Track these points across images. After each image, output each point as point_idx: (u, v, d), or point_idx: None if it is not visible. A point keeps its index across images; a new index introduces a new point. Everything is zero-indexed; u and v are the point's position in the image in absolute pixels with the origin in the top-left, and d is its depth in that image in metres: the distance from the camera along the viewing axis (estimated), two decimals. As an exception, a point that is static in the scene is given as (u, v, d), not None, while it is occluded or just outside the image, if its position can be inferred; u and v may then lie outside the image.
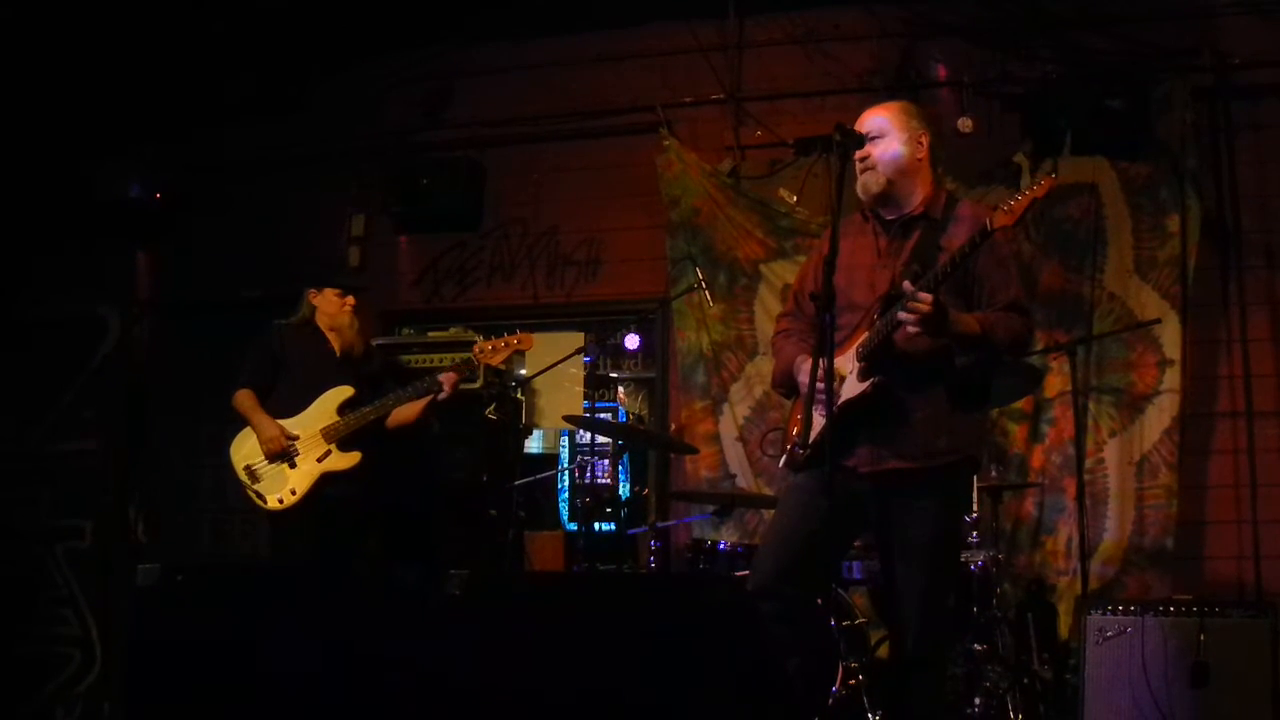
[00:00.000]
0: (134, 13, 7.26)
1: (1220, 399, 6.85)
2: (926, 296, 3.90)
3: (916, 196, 4.31)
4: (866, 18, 7.46)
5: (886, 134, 4.28)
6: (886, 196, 4.30)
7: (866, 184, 4.31)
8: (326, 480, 5.93)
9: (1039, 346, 6.60)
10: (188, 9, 7.34)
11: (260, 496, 5.92)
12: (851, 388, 4.14)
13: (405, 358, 7.16)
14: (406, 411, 6.04)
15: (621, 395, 9.05)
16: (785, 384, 4.48)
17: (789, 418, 4.48)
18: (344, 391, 6.05)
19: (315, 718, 4.50)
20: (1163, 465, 6.69)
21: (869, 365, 4.14)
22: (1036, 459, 6.87)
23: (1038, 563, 6.78)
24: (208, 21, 7.39)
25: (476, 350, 5.98)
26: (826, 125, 4.10)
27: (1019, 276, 4.29)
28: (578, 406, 7.39)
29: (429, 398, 5.95)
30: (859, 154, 4.29)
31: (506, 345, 5.98)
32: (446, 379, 5.93)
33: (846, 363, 4.20)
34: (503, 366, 6.72)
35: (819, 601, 5.23)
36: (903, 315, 3.98)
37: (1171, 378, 6.72)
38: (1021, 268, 5.62)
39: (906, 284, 3.96)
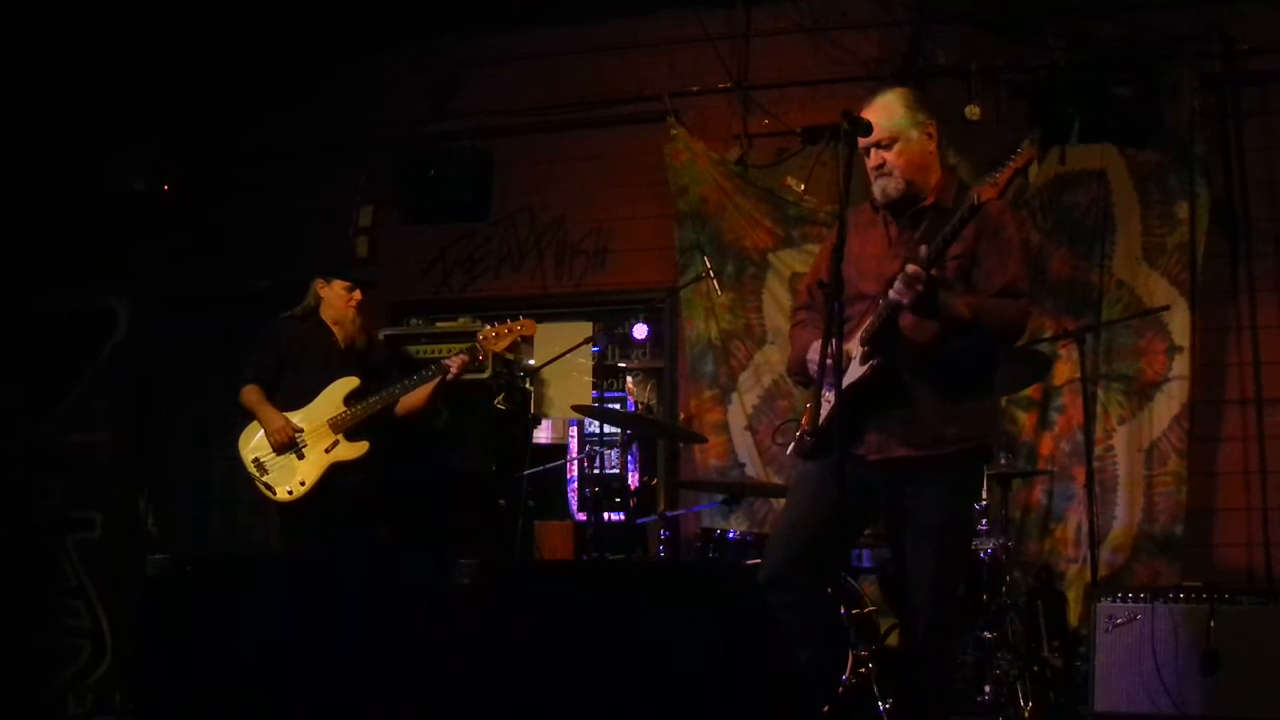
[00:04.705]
0: (143, 3, 7.26)
1: (1229, 386, 6.84)
2: (917, 272, 3.89)
3: (929, 187, 4.29)
4: (874, 6, 7.45)
5: (899, 136, 4.22)
6: (904, 197, 4.29)
7: (885, 189, 4.26)
8: (335, 470, 5.95)
9: (1047, 334, 6.60)
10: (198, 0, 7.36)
11: (270, 489, 5.94)
12: (854, 372, 4.13)
13: (413, 348, 7.17)
14: (415, 397, 6.06)
15: (630, 385, 9.04)
16: (799, 371, 4.47)
17: (803, 408, 4.47)
18: (350, 382, 6.06)
19: (325, 706, 4.51)
20: (1172, 452, 6.69)
21: (871, 349, 4.13)
22: (1045, 446, 6.87)
23: (1047, 550, 6.79)
24: (217, 12, 7.38)
25: (480, 338, 5.99)
26: (834, 114, 4.10)
27: (1020, 259, 4.25)
28: (586, 396, 7.38)
29: (436, 380, 5.96)
30: (873, 161, 4.26)
31: (510, 331, 5.99)
32: (454, 361, 5.95)
33: (853, 349, 4.19)
34: (510, 355, 6.72)
35: (829, 590, 5.26)
36: (892, 294, 3.98)
37: (1180, 365, 6.72)
38: (1028, 253, 5.61)
39: (905, 271, 3.95)
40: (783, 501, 5.28)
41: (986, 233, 4.14)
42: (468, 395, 6.73)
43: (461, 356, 5.98)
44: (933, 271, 3.91)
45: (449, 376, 5.97)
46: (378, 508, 6.31)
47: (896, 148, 4.23)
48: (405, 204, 8.18)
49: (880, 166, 4.25)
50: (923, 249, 3.93)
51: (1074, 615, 6.51)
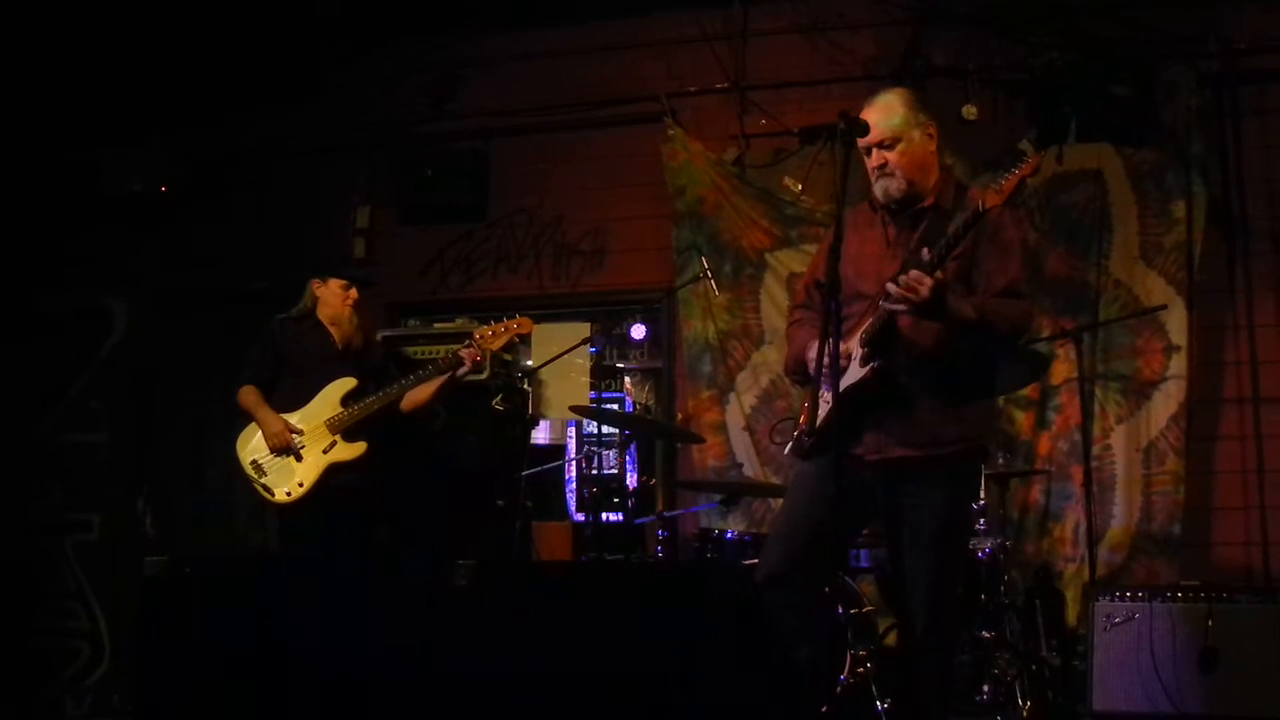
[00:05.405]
0: (142, 3, 7.27)
1: (1227, 384, 6.85)
2: (925, 278, 3.89)
3: (929, 188, 4.29)
4: (871, 6, 7.44)
5: (902, 137, 4.22)
6: (905, 197, 4.29)
7: (888, 189, 4.26)
8: (333, 471, 5.94)
9: (1045, 333, 6.60)
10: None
11: (268, 490, 5.94)
12: (853, 373, 4.14)
13: (411, 349, 7.17)
14: (422, 392, 6.03)
15: (628, 385, 9.05)
16: (798, 370, 4.48)
17: (800, 408, 4.48)
18: (347, 383, 6.06)
19: (323, 708, 4.51)
20: (1170, 451, 6.69)
21: (870, 351, 4.14)
22: (1043, 446, 6.87)
23: (1045, 550, 6.79)
24: (216, 11, 7.38)
25: (477, 336, 5.98)
26: (831, 114, 4.08)
27: (1020, 261, 4.26)
28: (584, 397, 7.39)
29: (446, 375, 5.95)
30: (875, 162, 4.26)
31: (506, 329, 5.98)
32: (466, 353, 5.92)
33: (851, 349, 4.20)
34: (507, 355, 6.72)
35: (826, 590, 5.26)
36: (890, 306, 3.99)
37: (1178, 364, 6.73)
38: (1026, 253, 5.62)
39: (903, 276, 3.95)
40: (780, 501, 5.28)
41: (986, 235, 4.14)
42: (466, 396, 6.73)
43: (471, 349, 5.94)
44: (937, 275, 3.92)
45: (460, 371, 5.95)
46: (376, 508, 6.31)
47: (899, 148, 4.23)
48: (403, 205, 8.18)
49: (882, 167, 4.25)
50: (925, 253, 3.94)
51: (1072, 614, 6.51)
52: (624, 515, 7.67)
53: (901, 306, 3.97)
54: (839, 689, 5.28)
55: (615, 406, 8.45)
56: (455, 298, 8.08)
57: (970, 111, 7.09)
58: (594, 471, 7.85)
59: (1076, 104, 6.91)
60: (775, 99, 7.61)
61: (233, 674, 4.63)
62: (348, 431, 5.98)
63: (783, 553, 4.26)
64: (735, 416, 7.39)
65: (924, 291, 3.89)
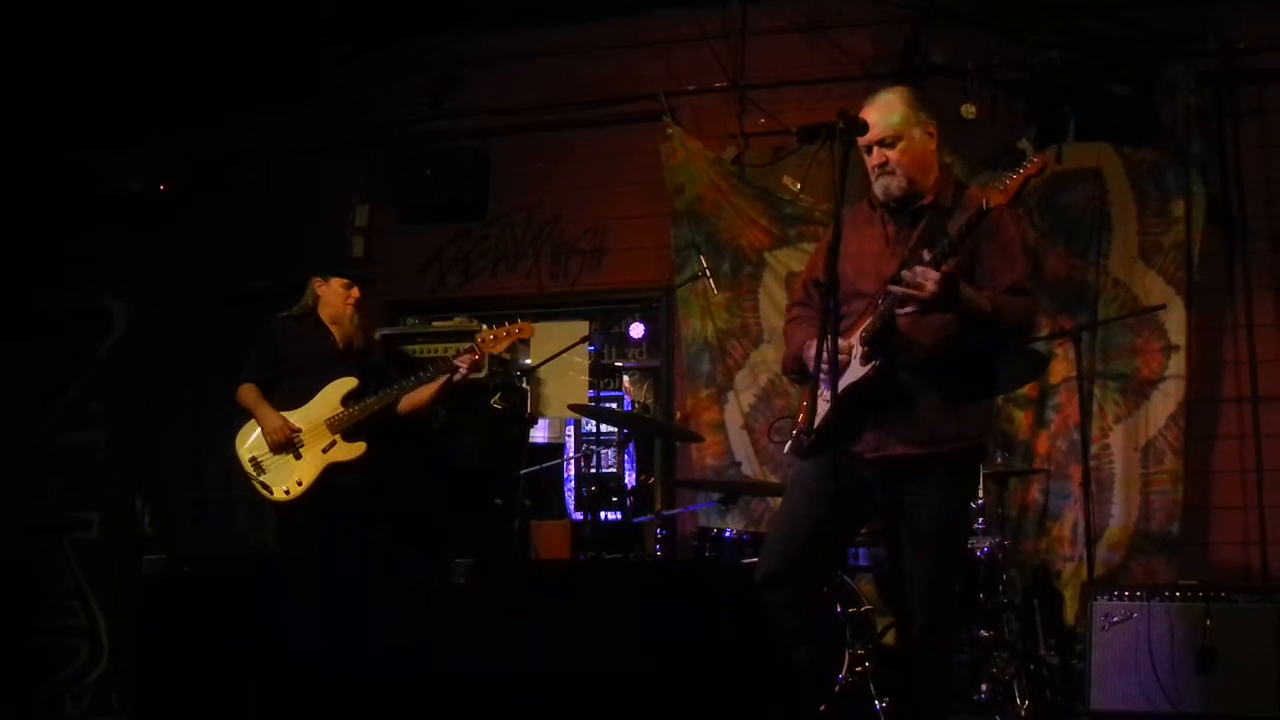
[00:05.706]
0: (141, 2, 7.27)
1: (1226, 384, 6.84)
2: (930, 273, 3.89)
3: (929, 186, 4.30)
4: (870, 4, 7.44)
5: (903, 135, 4.23)
6: (905, 195, 4.29)
7: (888, 187, 4.26)
8: (332, 470, 5.95)
9: (1044, 332, 6.60)
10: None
11: (267, 488, 5.94)
12: (854, 372, 4.14)
13: (410, 347, 7.18)
14: (419, 395, 6.05)
15: (627, 384, 9.05)
16: (796, 368, 4.48)
17: (798, 406, 4.48)
18: (348, 383, 6.06)
19: (321, 706, 4.51)
20: (1168, 451, 6.68)
21: (871, 349, 4.14)
22: (1042, 445, 6.87)
23: (1044, 549, 6.79)
24: (216, 11, 7.38)
25: (479, 339, 5.99)
26: (830, 112, 4.07)
27: (1024, 259, 4.28)
28: (583, 395, 7.39)
29: (443, 379, 5.96)
30: (875, 160, 4.26)
31: (508, 334, 5.99)
32: (463, 360, 5.94)
33: (850, 348, 4.19)
34: (507, 355, 6.72)
35: (825, 588, 5.26)
36: (897, 308, 3.99)
37: (1177, 363, 6.72)
38: (1026, 252, 5.63)
39: (907, 272, 3.95)
40: (779, 500, 5.29)
41: (988, 233, 4.14)
42: (465, 395, 6.73)
43: (470, 355, 5.97)
44: (943, 268, 3.92)
45: (456, 377, 5.97)
46: (375, 508, 6.32)
47: (900, 146, 4.23)
48: (402, 203, 8.18)
49: (883, 165, 4.26)
50: (925, 254, 3.94)
51: (1070, 614, 6.51)
52: (622, 514, 7.68)
53: (910, 306, 3.98)
54: (837, 688, 5.28)
55: (614, 405, 8.46)
56: (454, 296, 8.08)
57: (969, 111, 7.08)
58: (593, 470, 7.86)
59: (1075, 103, 6.91)
60: (774, 98, 7.61)
61: (232, 673, 4.63)
62: (347, 431, 5.99)
63: (782, 552, 4.26)
64: (734, 415, 7.39)
65: (930, 286, 3.90)
